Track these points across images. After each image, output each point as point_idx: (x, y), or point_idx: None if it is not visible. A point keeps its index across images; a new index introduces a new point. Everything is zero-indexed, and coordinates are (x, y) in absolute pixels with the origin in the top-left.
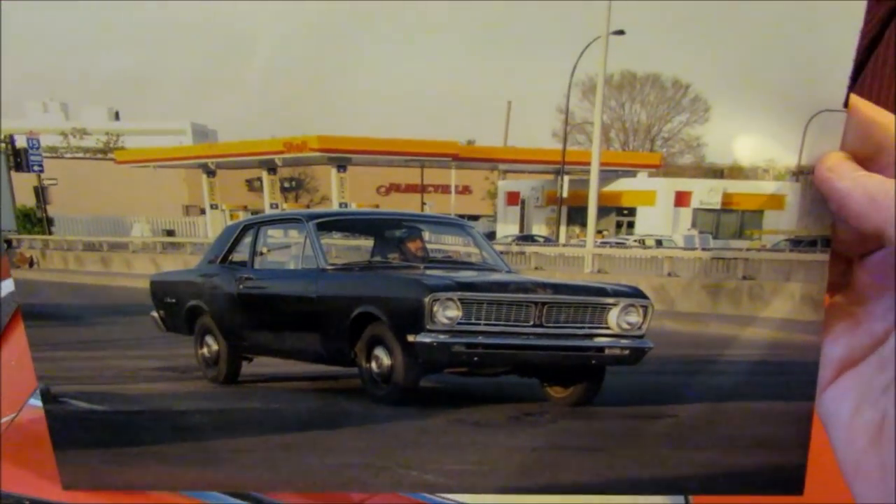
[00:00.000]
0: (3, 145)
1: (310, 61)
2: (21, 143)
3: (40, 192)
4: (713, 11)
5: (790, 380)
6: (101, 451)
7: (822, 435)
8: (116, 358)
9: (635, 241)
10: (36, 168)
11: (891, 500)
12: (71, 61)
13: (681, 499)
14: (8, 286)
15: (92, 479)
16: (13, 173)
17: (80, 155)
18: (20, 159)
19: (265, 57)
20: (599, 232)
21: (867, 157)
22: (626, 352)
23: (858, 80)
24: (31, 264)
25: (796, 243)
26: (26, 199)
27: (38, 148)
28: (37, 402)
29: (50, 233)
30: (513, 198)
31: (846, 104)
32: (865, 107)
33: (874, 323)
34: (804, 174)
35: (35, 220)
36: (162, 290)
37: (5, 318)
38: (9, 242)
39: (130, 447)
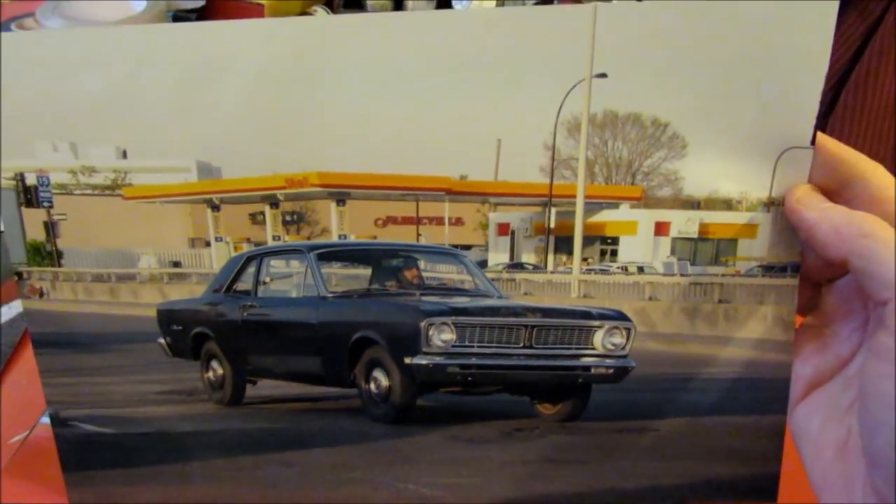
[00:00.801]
0: (15, 183)
1: (311, 101)
2: (31, 180)
3: (50, 227)
4: (690, 56)
5: (764, 396)
6: (109, 471)
7: (793, 448)
8: (124, 383)
9: (618, 267)
10: (46, 204)
11: None
12: (79, 101)
13: None
14: (10, 311)
15: (99, 499)
16: (24, 209)
17: (89, 192)
18: (30, 196)
19: (268, 96)
20: (585, 259)
21: (832, 191)
22: (611, 371)
23: (826, 120)
24: (41, 295)
25: (768, 269)
26: (36, 234)
27: (47, 185)
28: (46, 421)
29: (59, 265)
30: (503, 228)
31: (813, 141)
32: (831, 143)
33: (840, 344)
34: (775, 205)
35: (45, 253)
36: (168, 318)
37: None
38: (19, 275)
39: (137, 467)
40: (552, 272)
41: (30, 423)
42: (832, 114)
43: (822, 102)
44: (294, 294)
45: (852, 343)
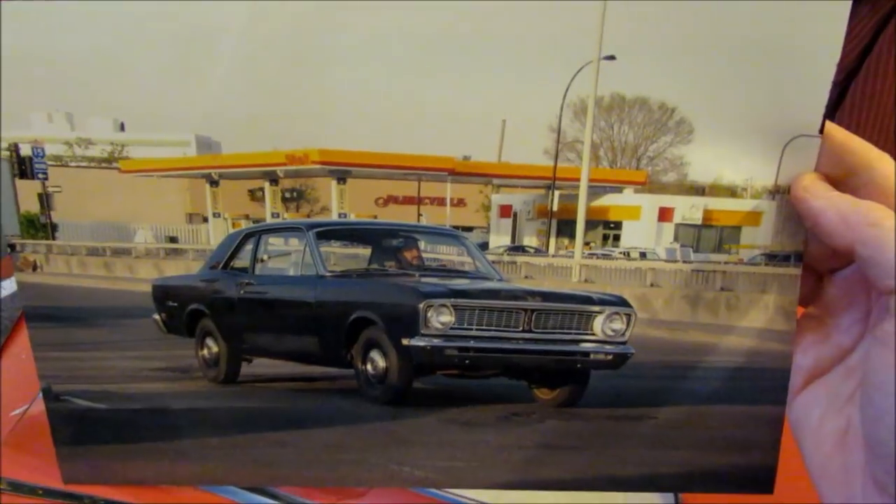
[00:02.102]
0: (8, 153)
1: (314, 77)
2: (26, 151)
3: (44, 199)
4: (699, 41)
5: (763, 386)
6: (102, 447)
7: (791, 438)
8: (118, 359)
9: (620, 253)
10: (40, 176)
11: (854, 500)
12: (76, 72)
13: (671, 496)
14: (11, 285)
15: (92, 473)
16: (17, 180)
17: (85, 164)
18: (25, 167)
19: (269, 71)
20: (587, 244)
21: (839, 180)
22: (610, 357)
23: (836, 110)
24: (34, 268)
25: (771, 257)
26: (30, 206)
27: (42, 157)
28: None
29: (54, 238)
30: (505, 210)
31: (822, 130)
32: (840, 133)
33: (842, 335)
34: (780, 193)
35: (39, 226)
36: (164, 294)
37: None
38: (12, 246)
39: (130, 443)
40: (553, 256)
41: (30, 397)
42: (839, 109)
43: (832, 90)
44: (292, 272)
45: (853, 334)
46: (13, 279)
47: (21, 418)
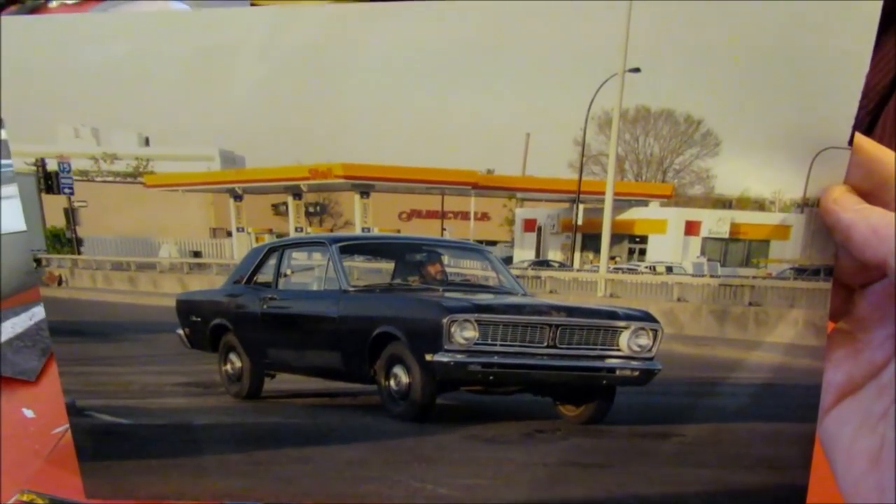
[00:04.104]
0: (35, 168)
1: (337, 91)
2: (52, 166)
3: (70, 214)
4: (726, 52)
5: (793, 402)
6: (125, 462)
7: (823, 457)
8: (142, 373)
9: (646, 267)
10: (66, 191)
11: None
12: (101, 87)
13: None
14: None
15: (114, 488)
16: (44, 195)
17: (111, 179)
18: (51, 182)
19: (292, 86)
20: (612, 258)
21: (869, 192)
22: (636, 373)
23: (864, 123)
24: (59, 283)
25: (800, 272)
26: (56, 221)
27: (68, 171)
28: None
29: (79, 253)
30: (530, 224)
31: (850, 142)
32: (869, 145)
33: (874, 351)
34: (809, 206)
35: (64, 241)
36: (188, 309)
37: None
38: (38, 261)
39: (153, 459)
40: (578, 270)
41: None
42: (870, 135)
43: (861, 103)
44: (315, 287)
45: (886, 350)
46: None
47: (63, 436)
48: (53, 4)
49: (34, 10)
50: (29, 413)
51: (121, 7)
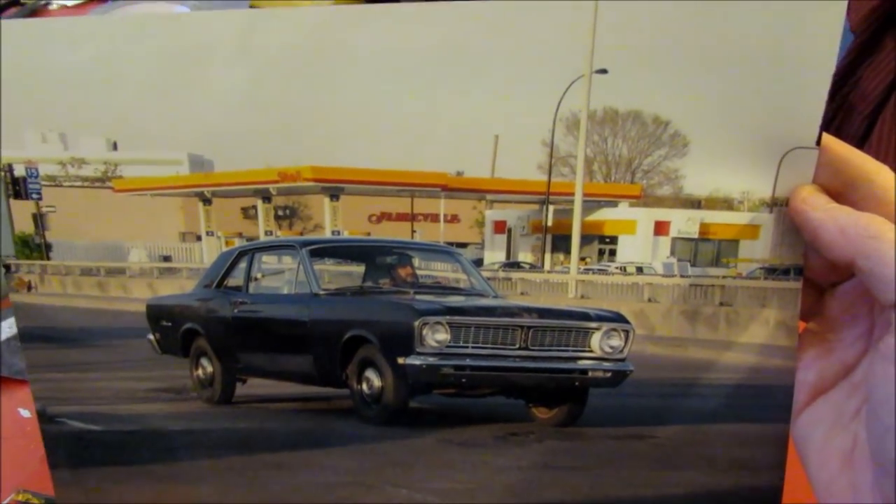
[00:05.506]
0: (2, 174)
1: (306, 94)
2: (20, 171)
3: (39, 219)
4: (693, 53)
5: (766, 403)
6: (96, 469)
7: (796, 457)
8: (112, 379)
9: (617, 268)
10: (34, 196)
11: None
12: (68, 91)
13: None
14: None
15: (86, 496)
16: (12, 201)
17: (79, 184)
18: (19, 187)
19: (261, 89)
20: (583, 259)
21: (838, 192)
22: (608, 374)
23: (862, 128)
24: (29, 288)
25: (770, 271)
26: (25, 226)
27: (36, 177)
28: None
29: (48, 258)
30: (500, 226)
31: (818, 142)
32: (837, 145)
33: (845, 350)
34: (778, 206)
35: (33, 246)
36: (158, 314)
37: None
38: (7, 267)
39: (125, 465)
40: (549, 272)
41: None
42: (866, 144)
43: (828, 102)
44: (286, 291)
45: (857, 349)
46: None
47: None
48: (54, 6)
49: (34, 13)
50: (25, 413)
51: (121, 8)
